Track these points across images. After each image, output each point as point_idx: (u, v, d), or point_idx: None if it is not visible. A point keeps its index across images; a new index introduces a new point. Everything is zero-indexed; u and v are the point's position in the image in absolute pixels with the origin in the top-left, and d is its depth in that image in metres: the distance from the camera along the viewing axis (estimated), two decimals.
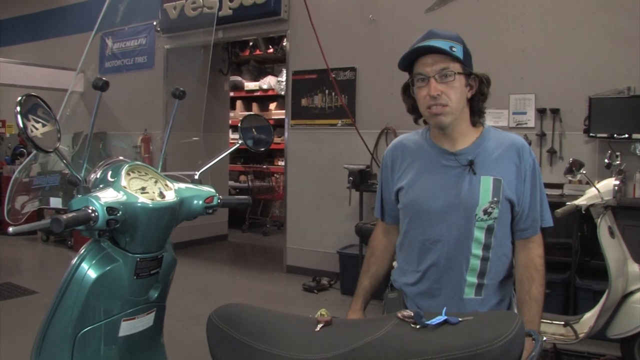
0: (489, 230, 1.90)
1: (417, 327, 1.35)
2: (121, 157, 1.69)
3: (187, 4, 6.88)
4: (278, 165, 9.16)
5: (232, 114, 9.31)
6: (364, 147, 5.65)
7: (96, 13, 7.58)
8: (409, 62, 1.91)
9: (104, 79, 1.56)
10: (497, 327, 1.27)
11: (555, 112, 4.75)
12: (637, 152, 4.42)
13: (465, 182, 1.90)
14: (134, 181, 1.58)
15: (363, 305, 2.18)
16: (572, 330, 3.48)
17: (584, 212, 3.38)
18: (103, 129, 7.83)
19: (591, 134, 4.51)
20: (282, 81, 8.65)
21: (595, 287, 4.00)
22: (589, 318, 3.46)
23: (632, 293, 3.35)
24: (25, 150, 8.54)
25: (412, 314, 1.38)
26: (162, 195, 1.60)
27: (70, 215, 1.36)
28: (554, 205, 2.90)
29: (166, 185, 1.66)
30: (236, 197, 2.01)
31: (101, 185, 1.54)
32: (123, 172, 1.56)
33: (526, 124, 4.90)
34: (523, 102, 4.91)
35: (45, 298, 4.49)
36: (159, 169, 1.71)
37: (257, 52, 9.19)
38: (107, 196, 1.46)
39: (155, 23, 7.47)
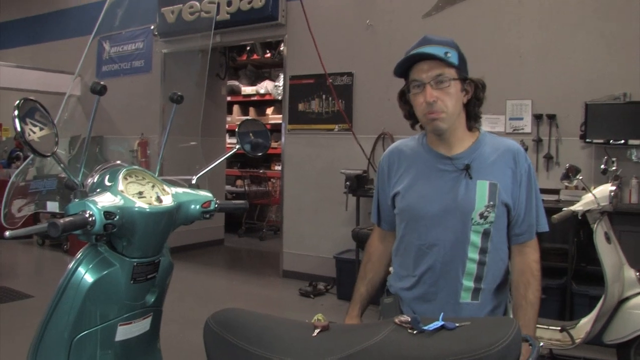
0: (486, 235, 1.91)
1: (414, 332, 1.35)
2: (118, 162, 1.69)
3: (185, 8, 6.88)
4: (275, 169, 9.16)
5: (229, 119, 9.30)
6: (360, 152, 5.66)
7: (93, 17, 7.60)
8: (404, 68, 1.92)
9: (101, 83, 1.56)
10: (494, 332, 1.27)
11: (551, 117, 4.77)
12: (633, 157, 4.43)
13: (462, 187, 1.91)
14: (132, 185, 1.58)
15: (360, 311, 2.18)
16: (568, 335, 3.48)
17: (580, 217, 3.39)
18: (100, 133, 7.82)
19: (587, 140, 4.52)
20: (280, 86, 8.65)
21: (592, 293, 4.01)
22: (585, 323, 3.46)
23: (628, 299, 3.35)
24: (21, 154, 8.53)
25: (410, 320, 1.38)
26: (159, 199, 1.59)
27: (67, 219, 1.36)
28: (550, 211, 2.91)
29: (163, 189, 1.65)
30: (233, 201, 2.01)
31: (98, 190, 1.54)
32: (120, 176, 1.56)
33: (523, 129, 4.92)
34: (520, 107, 4.93)
35: (40, 302, 4.47)
36: (156, 174, 1.71)
37: (255, 56, 9.19)
38: (105, 200, 1.46)
39: (152, 27, 7.47)
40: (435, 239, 1.93)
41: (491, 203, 1.89)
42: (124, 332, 1.56)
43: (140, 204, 1.51)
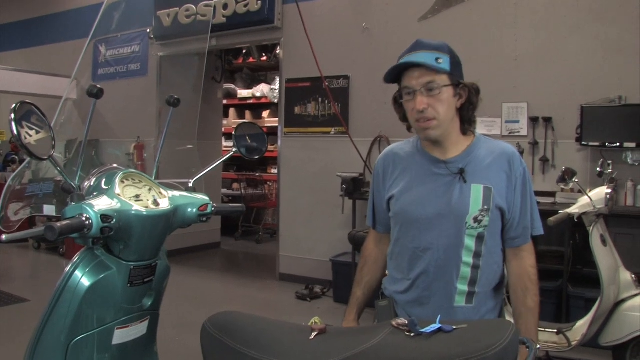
0: (480, 238, 1.91)
1: (412, 335, 1.35)
2: (115, 165, 1.69)
3: (181, 12, 6.89)
4: (271, 173, 9.16)
5: (225, 122, 9.30)
6: (357, 155, 5.66)
7: (89, 20, 7.61)
8: (395, 75, 1.91)
9: (98, 86, 1.56)
10: (491, 335, 1.27)
11: (547, 120, 4.78)
12: (629, 160, 4.45)
13: (456, 191, 1.91)
14: (128, 189, 1.58)
15: (357, 315, 2.18)
16: (564, 338, 3.49)
17: (576, 220, 3.40)
18: (95, 137, 7.81)
19: (583, 143, 4.54)
20: (276, 89, 8.66)
21: (588, 295, 4.02)
22: (582, 326, 3.46)
23: (624, 301, 3.36)
24: (17, 157, 8.50)
25: (407, 322, 1.38)
26: (156, 203, 1.59)
27: (64, 222, 1.36)
28: (546, 214, 2.92)
29: (160, 193, 1.65)
30: (230, 204, 2.01)
31: (95, 193, 1.54)
32: (117, 179, 1.56)
33: (519, 132, 4.93)
34: (516, 110, 4.94)
35: (36, 306, 4.47)
36: (153, 177, 1.71)
37: (251, 59, 9.18)
38: (101, 204, 1.46)
39: (148, 30, 7.47)
40: (430, 243, 1.92)
41: (485, 207, 1.88)
42: (121, 336, 1.56)
43: (137, 207, 1.51)
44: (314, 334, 1.45)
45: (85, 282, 1.49)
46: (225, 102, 9.32)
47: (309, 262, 6.10)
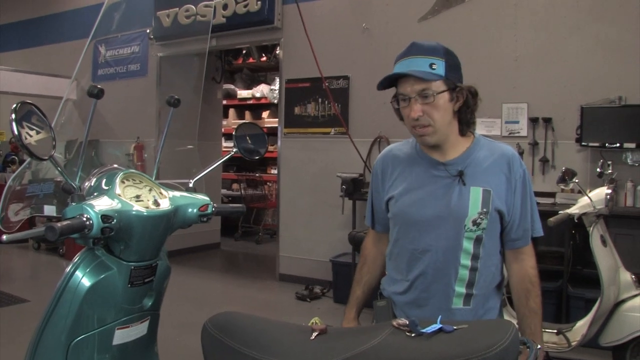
0: (478, 241, 1.90)
1: (412, 335, 1.35)
2: (115, 165, 1.69)
3: (181, 12, 6.89)
4: (271, 173, 9.16)
5: (224, 122, 9.30)
6: (357, 155, 5.66)
7: (88, 20, 7.61)
8: (389, 81, 1.90)
9: (98, 86, 1.56)
10: (492, 335, 1.27)
11: (547, 121, 4.78)
12: (629, 161, 4.45)
13: (455, 193, 1.90)
14: (129, 189, 1.58)
15: (357, 314, 2.19)
16: (564, 338, 3.49)
17: (576, 220, 3.40)
18: (96, 137, 7.81)
19: (583, 143, 4.54)
20: (275, 89, 8.66)
21: (588, 296, 4.02)
22: (582, 326, 3.47)
23: (624, 301, 3.36)
24: (16, 158, 8.50)
25: (407, 322, 1.38)
26: (156, 203, 1.59)
27: (64, 223, 1.36)
28: (546, 214, 2.92)
29: (161, 193, 1.65)
30: (230, 205, 2.01)
31: (95, 193, 1.53)
32: (117, 180, 1.56)
33: (519, 132, 4.93)
34: (515, 111, 4.94)
35: (36, 306, 4.46)
36: (153, 177, 1.71)
37: (251, 60, 9.19)
38: (102, 204, 1.46)
39: (148, 31, 7.47)
40: (428, 245, 1.92)
41: (484, 210, 1.88)
42: (121, 336, 1.56)
43: (137, 207, 1.51)
44: (314, 334, 1.45)
45: (86, 282, 1.49)
46: (224, 102, 9.32)
47: (308, 262, 6.10)
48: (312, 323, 1.60)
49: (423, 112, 1.83)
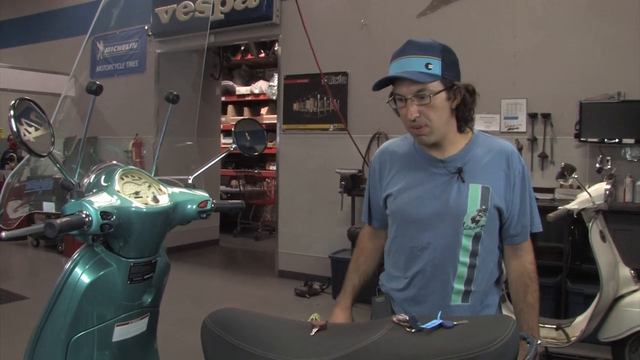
0: (476, 238, 1.90)
1: (413, 331, 1.35)
2: (114, 162, 1.68)
3: (179, 8, 6.87)
4: (270, 169, 9.16)
5: (223, 119, 9.29)
6: (356, 151, 5.66)
7: (87, 17, 7.59)
8: (385, 82, 1.89)
9: (97, 83, 1.56)
10: (492, 330, 1.27)
11: (546, 116, 4.78)
12: (627, 156, 4.45)
13: (454, 190, 1.90)
14: (128, 185, 1.57)
15: (351, 303, 2.16)
16: (563, 333, 3.49)
17: (575, 216, 3.40)
18: (94, 134, 7.79)
19: (582, 139, 4.54)
20: (274, 86, 8.64)
21: (587, 291, 4.02)
22: (581, 321, 3.47)
23: (623, 296, 3.36)
24: (15, 155, 8.49)
25: (408, 318, 1.38)
26: (155, 199, 1.59)
27: (64, 219, 1.35)
28: (545, 210, 2.91)
29: (160, 189, 1.65)
30: (229, 201, 2.00)
31: (94, 190, 1.53)
32: (117, 176, 1.55)
33: (517, 128, 4.93)
34: (514, 107, 4.94)
35: (36, 303, 4.46)
36: (152, 173, 1.71)
37: (249, 56, 9.18)
38: (101, 200, 1.45)
39: (146, 27, 7.45)
40: (427, 242, 1.92)
41: (483, 207, 1.87)
42: (121, 333, 1.56)
43: (137, 204, 1.51)
44: (314, 330, 1.45)
45: (85, 279, 1.49)
46: (223, 99, 9.30)
47: (307, 258, 6.11)
48: (312, 319, 1.60)
49: (420, 113, 1.82)
